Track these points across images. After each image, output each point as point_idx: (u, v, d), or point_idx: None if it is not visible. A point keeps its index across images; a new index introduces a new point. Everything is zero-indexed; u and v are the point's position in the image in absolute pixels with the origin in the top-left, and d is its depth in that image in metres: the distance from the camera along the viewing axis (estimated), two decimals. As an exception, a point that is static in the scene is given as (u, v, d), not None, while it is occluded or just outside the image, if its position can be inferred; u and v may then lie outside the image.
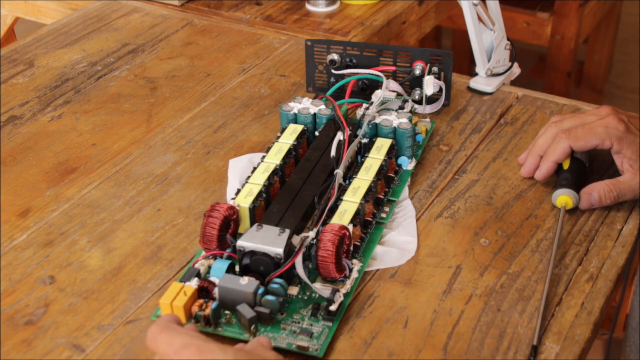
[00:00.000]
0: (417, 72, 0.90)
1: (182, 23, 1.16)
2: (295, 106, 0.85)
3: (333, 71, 0.93)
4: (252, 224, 0.73)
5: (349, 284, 0.69)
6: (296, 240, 0.68)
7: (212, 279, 0.67)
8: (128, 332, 0.66)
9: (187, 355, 0.55)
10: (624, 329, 0.84)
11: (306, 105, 0.85)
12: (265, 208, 0.75)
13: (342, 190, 0.75)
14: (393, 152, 0.81)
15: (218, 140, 0.90)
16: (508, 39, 0.97)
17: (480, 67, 0.98)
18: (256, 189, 0.74)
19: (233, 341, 0.65)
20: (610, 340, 0.84)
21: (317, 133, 0.83)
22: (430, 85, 0.89)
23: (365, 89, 0.93)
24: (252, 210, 0.73)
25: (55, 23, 1.15)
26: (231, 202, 0.72)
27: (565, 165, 0.80)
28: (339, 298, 0.66)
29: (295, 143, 0.81)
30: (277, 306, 0.65)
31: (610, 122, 0.78)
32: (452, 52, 0.90)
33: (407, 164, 0.82)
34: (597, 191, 0.77)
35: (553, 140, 0.80)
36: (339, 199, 0.73)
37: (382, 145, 0.80)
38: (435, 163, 0.85)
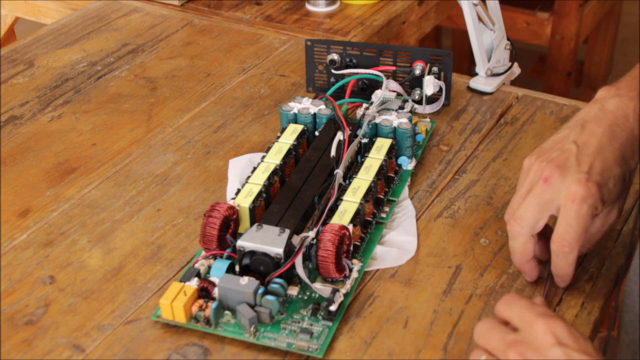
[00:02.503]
0: (417, 72, 0.90)
1: (182, 23, 1.16)
2: (295, 106, 0.85)
3: (333, 71, 0.93)
4: (252, 224, 0.73)
5: (349, 284, 0.69)
6: (296, 240, 0.68)
7: (212, 279, 0.67)
8: (128, 332, 0.66)
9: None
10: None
11: (306, 105, 0.85)
12: (265, 208, 0.75)
13: (342, 190, 0.75)
14: (393, 152, 0.81)
15: (218, 140, 0.90)
16: (508, 39, 0.97)
17: (480, 67, 0.98)
18: (256, 189, 0.74)
19: (233, 341, 0.65)
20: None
21: (317, 133, 0.83)
22: (430, 85, 0.89)
23: (365, 89, 0.93)
24: (252, 210, 0.73)
25: (55, 23, 1.15)
26: (231, 202, 0.72)
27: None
28: (339, 298, 0.66)
29: (295, 143, 0.81)
30: (277, 306, 0.65)
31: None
32: (452, 52, 0.90)
33: (407, 164, 0.82)
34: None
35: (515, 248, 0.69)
36: (339, 199, 0.73)
37: (382, 145, 0.80)
38: (435, 163, 0.85)
